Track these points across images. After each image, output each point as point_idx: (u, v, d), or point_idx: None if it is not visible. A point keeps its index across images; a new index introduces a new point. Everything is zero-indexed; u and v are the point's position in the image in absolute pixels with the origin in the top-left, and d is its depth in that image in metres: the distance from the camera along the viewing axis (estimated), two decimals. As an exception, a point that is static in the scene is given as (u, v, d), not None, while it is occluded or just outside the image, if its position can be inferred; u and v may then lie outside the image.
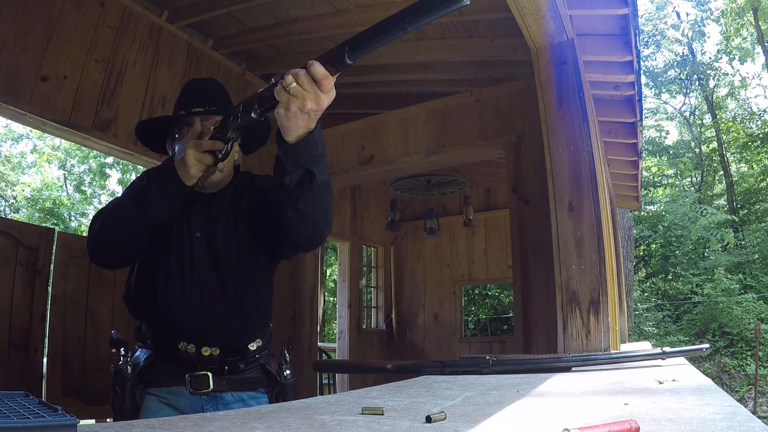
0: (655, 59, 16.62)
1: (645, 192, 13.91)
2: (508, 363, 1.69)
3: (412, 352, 6.42)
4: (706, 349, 1.86)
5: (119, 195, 1.45)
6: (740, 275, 11.31)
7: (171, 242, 1.37)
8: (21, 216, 12.54)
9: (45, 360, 2.83)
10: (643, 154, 4.74)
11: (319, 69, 0.96)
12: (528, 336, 3.11)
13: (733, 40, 14.93)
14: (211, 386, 1.31)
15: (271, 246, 1.44)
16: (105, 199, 14.49)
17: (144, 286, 1.39)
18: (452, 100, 3.64)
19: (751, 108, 15.05)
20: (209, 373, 1.32)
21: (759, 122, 14.17)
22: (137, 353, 1.40)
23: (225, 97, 1.49)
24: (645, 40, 15.88)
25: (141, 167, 2.75)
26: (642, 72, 3.69)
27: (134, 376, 1.31)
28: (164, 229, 1.35)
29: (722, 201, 14.44)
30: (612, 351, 2.09)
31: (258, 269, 1.45)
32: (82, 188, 14.39)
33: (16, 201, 13.28)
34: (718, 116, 14.81)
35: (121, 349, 1.32)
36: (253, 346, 1.41)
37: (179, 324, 1.33)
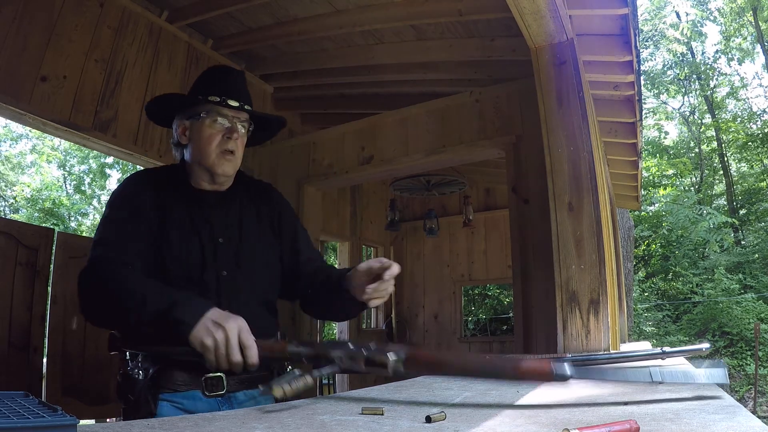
0: (655, 59, 16.63)
1: (645, 192, 13.89)
2: (508, 363, 1.68)
3: (412, 353, 6.41)
4: (706, 348, 1.85)
5: (106, 233, 1.30)
6: (740, 275, 11.30)
7: (188, 248, 1.33)
8: (21, 216, 12.54)
9: (45, 360, 2.83)
10: (643, 154, 4.73)
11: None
12: (528, 336, 3.11)
13: (733, 39, 14.93)
14: (225, 387, 1.30)
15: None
16: (105, 199, 14.47)
17: None
18: (452, 100, 3.64)
19: (751, 108, 15.06)
20: (222, 375, 1.30)
21: (759, 122, 14.17)
22: (143, 357, 1.35)
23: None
24: (644, 39, 15.87)
25: (141, 167, 2.74)
26: (641, 72, 3.69)
27: (147, 382, 1.25)
28: (173, 233, 1.32)
29: (722, 201, 14.44)
30: (612, 351, 2.09)
31: (276, 271, 1.48)
32: (82, 188, 14.39)
33: (16, 201, 13.27)
34: (717, 116, 14.81)
35: (126, 353, 1.27)
36: None
37: None
